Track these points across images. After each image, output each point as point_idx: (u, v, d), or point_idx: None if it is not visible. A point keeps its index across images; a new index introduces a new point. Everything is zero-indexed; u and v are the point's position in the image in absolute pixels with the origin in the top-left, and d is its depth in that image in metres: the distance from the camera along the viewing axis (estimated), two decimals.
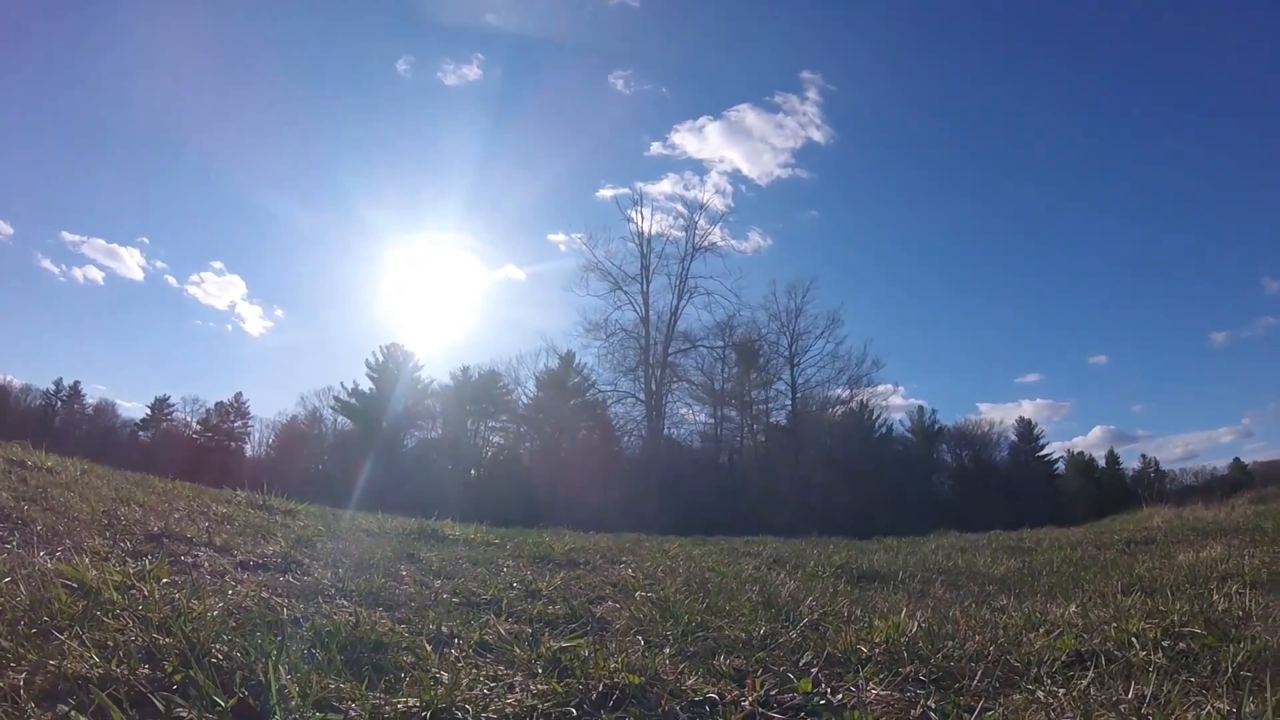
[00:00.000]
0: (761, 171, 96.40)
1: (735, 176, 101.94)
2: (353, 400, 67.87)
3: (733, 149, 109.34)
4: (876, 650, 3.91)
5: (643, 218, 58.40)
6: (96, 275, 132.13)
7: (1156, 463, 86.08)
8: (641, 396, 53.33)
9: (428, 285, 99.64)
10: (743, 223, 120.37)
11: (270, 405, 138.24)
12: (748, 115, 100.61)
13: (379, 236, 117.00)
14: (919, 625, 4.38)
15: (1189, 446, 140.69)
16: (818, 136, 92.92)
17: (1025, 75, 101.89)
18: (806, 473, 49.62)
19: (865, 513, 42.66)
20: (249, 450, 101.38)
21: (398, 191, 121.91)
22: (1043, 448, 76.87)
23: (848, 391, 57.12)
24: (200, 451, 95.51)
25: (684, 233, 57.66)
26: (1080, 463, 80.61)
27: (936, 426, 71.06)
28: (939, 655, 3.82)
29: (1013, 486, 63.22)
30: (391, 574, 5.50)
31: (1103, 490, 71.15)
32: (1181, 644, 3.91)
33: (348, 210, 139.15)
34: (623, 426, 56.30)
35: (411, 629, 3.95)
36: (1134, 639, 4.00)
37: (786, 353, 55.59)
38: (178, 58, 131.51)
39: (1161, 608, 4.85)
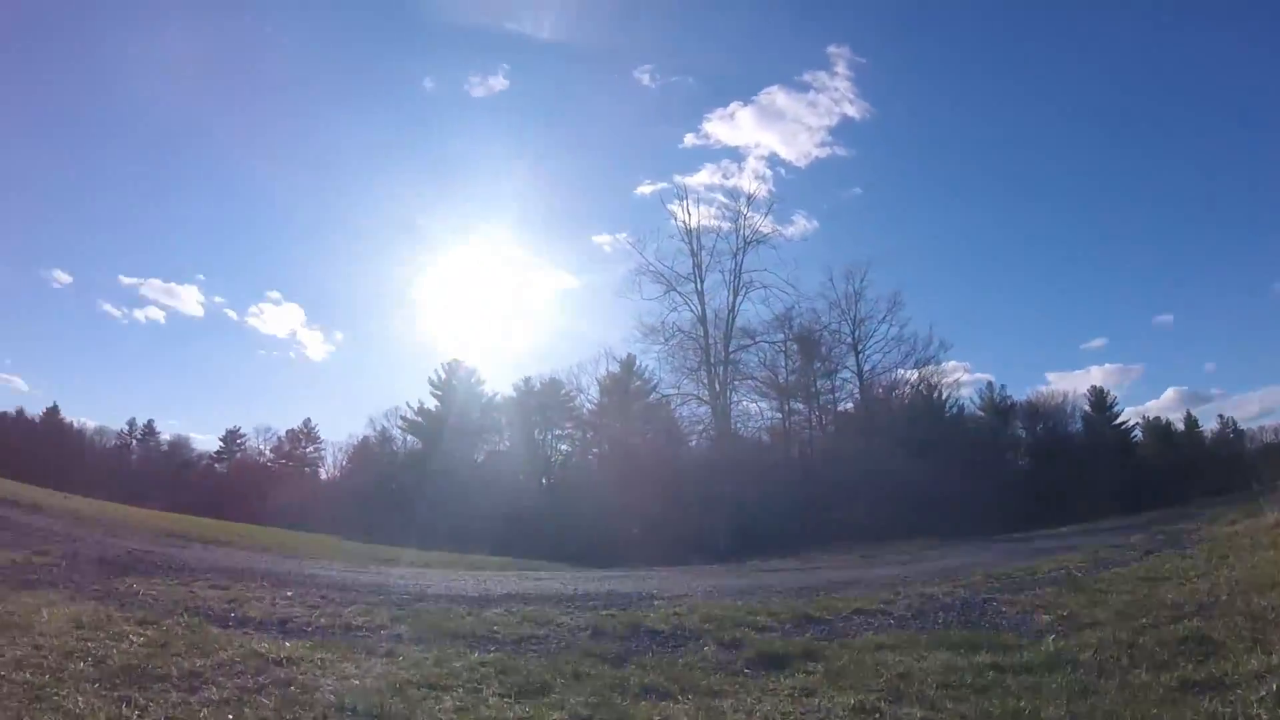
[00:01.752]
0: (799, 153, 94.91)
1: (773, 160, 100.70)
2: (419, 419, 68.73)
3: (767, 133, 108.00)
4: None
5: (688, 212, 57.25)
6: (158, 315, 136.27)
7: (1234, 422, 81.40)
8: (705, 396, 52.62)
9: (481, 298, 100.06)
10: (786, 207, 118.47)
11: (340, 428, 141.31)
12: (779, 97, 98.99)
13: (429, 254, 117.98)
14: None
15: (1264, 402, 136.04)
16: (852, 111, 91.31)
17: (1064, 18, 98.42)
18: (879, 461, 48.61)
19: (941, 498, 42.07)
20: (324, 473, 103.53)
21: (442, 208, 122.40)
22: (1117, 416, 73.66)
23: (915, 373, 55.90)
24: (275, 478, 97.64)
25: (732, 224, 56.48)
26: (1157, 429, 75.96)
27: (1008, 402, 68.52)
28: None
29: (1088, 459, 61.36)
30: None
31: (1183, 457, 68.38)
32: None
33: (395, 231, 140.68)
34: (690, 427, 55.87)
35: None
36: None
37: (849, 339, 54.36)
38: (204, 92, 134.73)
39: None
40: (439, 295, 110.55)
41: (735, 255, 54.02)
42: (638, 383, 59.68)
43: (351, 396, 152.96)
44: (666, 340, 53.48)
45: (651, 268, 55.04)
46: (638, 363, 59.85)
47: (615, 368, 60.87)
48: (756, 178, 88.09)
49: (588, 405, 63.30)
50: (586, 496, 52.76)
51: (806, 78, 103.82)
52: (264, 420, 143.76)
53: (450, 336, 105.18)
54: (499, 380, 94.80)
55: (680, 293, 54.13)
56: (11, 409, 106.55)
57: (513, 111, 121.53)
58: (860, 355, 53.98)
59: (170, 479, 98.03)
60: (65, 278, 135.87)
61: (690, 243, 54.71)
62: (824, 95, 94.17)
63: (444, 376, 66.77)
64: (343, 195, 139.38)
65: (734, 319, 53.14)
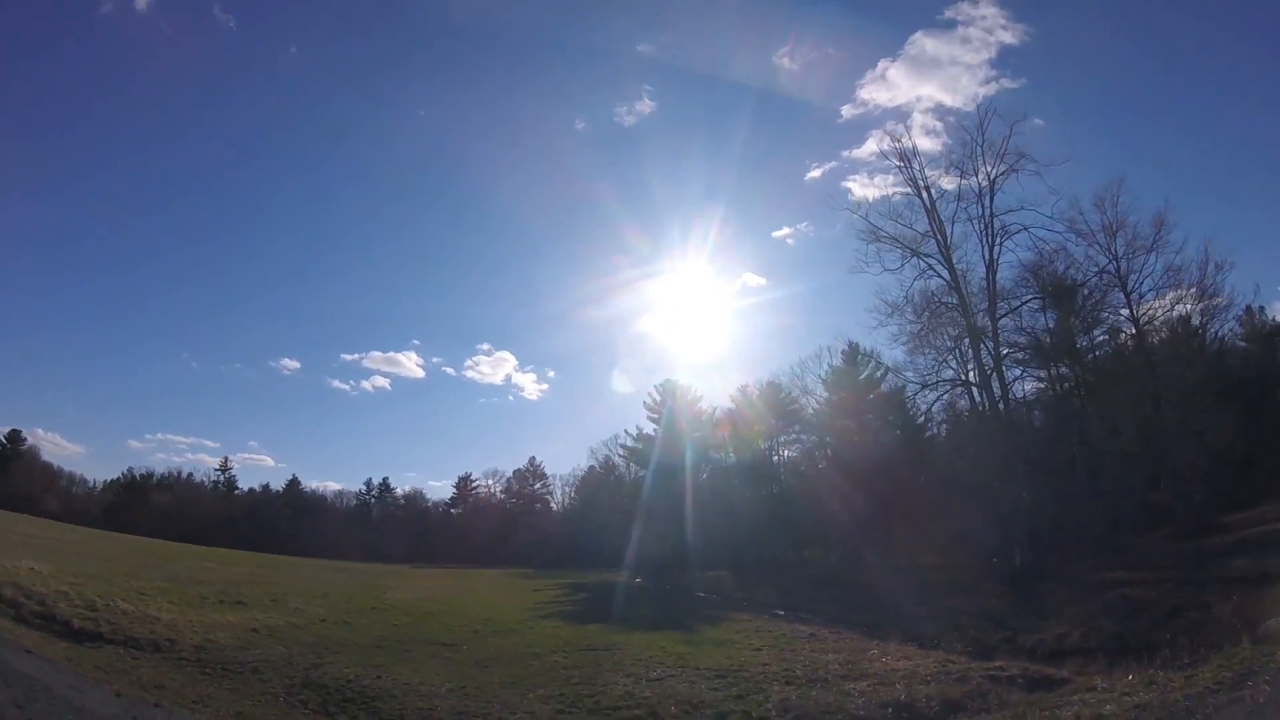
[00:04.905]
0: (965, 96, 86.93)
1: (939, 110, 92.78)
2: (639, 445, 67.46)
3: (925, 83, 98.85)
4: None
5: (923, 177, 43.92)
6: (383, 382, 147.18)
7: None
8: (972, 378, 43.93)
9: (682, 315, 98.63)
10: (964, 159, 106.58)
11: (566, 461, 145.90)
12: (926, 43, 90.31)
13: (623, 283, 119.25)
14: None
15: None
16: (1009, 38, 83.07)
17: None
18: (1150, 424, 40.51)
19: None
20: (554, 505, 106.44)
21: (625, 237, 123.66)
22: None
23: (1197, 306, 44.05)
24: (510, 516, 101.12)
25: (967, 154, 42.61)
26: None
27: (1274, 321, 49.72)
28: None
29: None
30: None
31: None
32: None
33: (586, 268, 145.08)
34: (946, 412, 49.20)
35: None
36: None
37: (1114, 278, 43.40)
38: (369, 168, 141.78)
39: None
40: (640, 320, 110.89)
41: (981, 197, 41.48)
42: (867, 370, 54.87)
43: (572, 430, 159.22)
44: (920, 316, 43.05)
45: (883, 232, 43.48)
46: (864, 346, 54.58)
47: (838, 360, 56.72)
48: (926, 133, 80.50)
49: (813, 406, 59.46)
50: (815, 504, 49.39)
51: (949, 14, 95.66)
52: (492, 464, 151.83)
53: (660, 357, 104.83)
54: (716, 394, 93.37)
55: (925, 257, 42.70)
56: (258, 485, 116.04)
57: (669, 126, 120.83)
58: (1131, 296, 42.90)
59: (409, 529, 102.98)
60: (293, 364, 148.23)
61: (920, 195, 42.83)
62: (974, 28, 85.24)
63: (658, 398, 65.08)
64: (529, 244, 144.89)
65: (995, 277, 41.66)
